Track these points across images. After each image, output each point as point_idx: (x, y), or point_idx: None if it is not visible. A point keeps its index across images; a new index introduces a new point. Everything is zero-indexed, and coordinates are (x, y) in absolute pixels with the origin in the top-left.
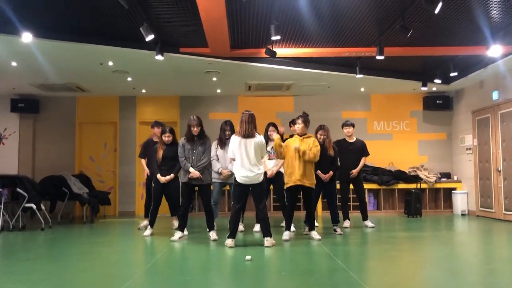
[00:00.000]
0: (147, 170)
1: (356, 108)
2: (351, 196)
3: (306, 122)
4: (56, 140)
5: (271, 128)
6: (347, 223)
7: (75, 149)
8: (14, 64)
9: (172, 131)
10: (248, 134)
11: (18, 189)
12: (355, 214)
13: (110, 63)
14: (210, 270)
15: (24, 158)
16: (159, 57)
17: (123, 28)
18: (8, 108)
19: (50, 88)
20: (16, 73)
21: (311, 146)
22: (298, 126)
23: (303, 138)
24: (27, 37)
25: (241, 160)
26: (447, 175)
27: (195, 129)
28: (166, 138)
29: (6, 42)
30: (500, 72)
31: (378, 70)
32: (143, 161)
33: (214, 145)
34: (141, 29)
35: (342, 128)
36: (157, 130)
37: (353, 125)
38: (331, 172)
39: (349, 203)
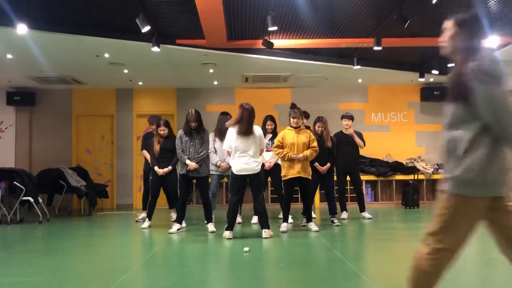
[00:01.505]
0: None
1: (354, 100)
2: (348, 187)
3: (302, 115)
4: (53, 133)
5: (269, 122)
6: (344, 215)
7: (72, 142)
8: (9, 56)
9: (167, 124)
10: (247, 132)
11: (16, 182)
12: (353, 206)
13: (106, 55)
14: (208, 261)
15: (21, 151)
16: (155, 49)
17: (119, 20)
18: (4, 101)
19: (46, 80)
20: (11, 66)
21: (308, 139)
22: (297, 121)
23: (298, 130)
24: (22, 28)
25: (239, 150)
26: None
27: (193, 124)
28: (162, 131)
29: (0, 33)
30: None
31: (376, 61)
32: (146, 152)
33: (211, 137)
34: (137, 20)
35: (342, 119)
36: (152, 127)
37: (352, 118)
38: (328, 164)
39: (346, 195)
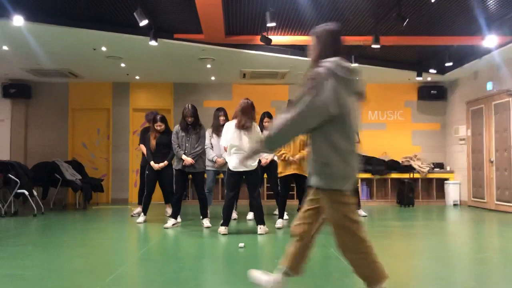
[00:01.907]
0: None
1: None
2: None
3: None
4: (49, 126)
5: (266, 119)
6: None
7: (68, 135)
8: (5, 48)
9: (163, 120)
10: (245, 126)
11: (10, 175)
12: None
13: (104, 49)
14: (203, 257)
15: (16, 144)
16: (153, 43)
17: (117, 13)
18: (0, 93)
19: (43, 73)
20: (7, 58)
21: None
22: None
23: None
24: (18, 20)
25: (235, 147)
26: (440, 165)
27: (190, 119)
28: (158, 127)
29: None
30: (495, 62)
31: (374, 59)
32: (143, 147)
33: (208, 133)
34: (135, 14)
35: None
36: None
37: None
38: None
39: None
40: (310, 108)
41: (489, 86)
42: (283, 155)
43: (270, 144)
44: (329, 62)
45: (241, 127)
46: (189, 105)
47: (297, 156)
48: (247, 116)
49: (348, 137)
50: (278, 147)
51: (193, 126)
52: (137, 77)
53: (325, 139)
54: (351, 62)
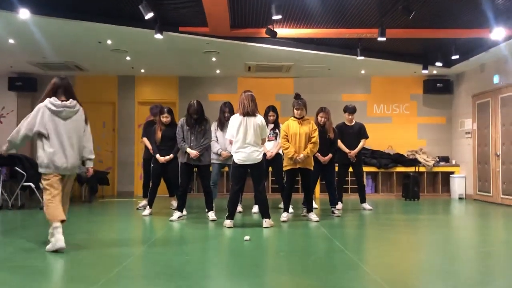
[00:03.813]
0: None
1: (356, 91)
2: (349, 179)
3: (305, 106)
4: None
5: (271, 113)
6: (339, 205)
7: None
8: (11, 41)
9: (170, 112)
10: (249, 112)
11: (17, 168)
12: (353, 197)
13: (109, 42)
14: (208, 250)
15: None
16: (158, 36)
17: (122, 6)
18: (6, 86)
19: (48, 66)
20: (13, 51)
21: (311, 130)
22: (300, 112)
23: (302, 121)
24: (24, 13)
25: (241, 140)
26: (446, 159)
27: (195, 116)
28: (164, 118)
29: (2, 18)
30: (501, 55)
31: (379, 52)
32: (146, 140)
33: (213, 126)
34: (140, 7)
35: (345, 112)
36: (155, 118)
37: (355, 111)
38: (330, 155)
39: (345, 186)
40: (23, 126)
41: (496, 79)
42: (292, 154)
43: (11, 145)
44: (45, 101)
45: (247, 113)
46: (195, 102)
47: (302, 156)
48: (250, 104)
49: (52, 144)
50: (15, 147)
51: (198, 121)
52: (142, 71)
53: (40, 145)
54: (357, 56)
